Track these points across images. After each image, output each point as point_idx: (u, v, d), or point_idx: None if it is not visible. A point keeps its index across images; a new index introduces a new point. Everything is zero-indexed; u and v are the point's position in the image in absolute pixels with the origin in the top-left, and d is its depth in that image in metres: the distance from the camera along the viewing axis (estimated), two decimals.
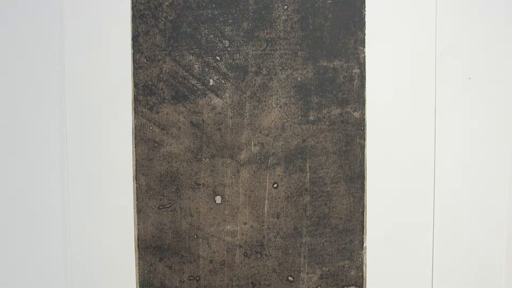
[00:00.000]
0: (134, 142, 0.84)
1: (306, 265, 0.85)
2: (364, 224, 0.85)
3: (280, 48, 0.83)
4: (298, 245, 0.85)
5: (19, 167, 0.86)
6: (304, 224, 0.85)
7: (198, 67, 0.83)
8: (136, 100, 0.84)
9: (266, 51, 0.83)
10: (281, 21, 0.82)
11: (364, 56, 0.82)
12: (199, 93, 0.84)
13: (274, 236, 0.85)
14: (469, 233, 0.84)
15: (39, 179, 0.86)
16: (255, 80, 0.83)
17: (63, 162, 0.85)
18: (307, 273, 0.85)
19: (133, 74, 0.84)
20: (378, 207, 0.84)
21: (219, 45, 0.83)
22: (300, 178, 0.84)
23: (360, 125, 0.83)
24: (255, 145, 0.84)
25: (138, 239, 0.86)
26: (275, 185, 0.85)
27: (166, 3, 0.79)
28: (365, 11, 0.82)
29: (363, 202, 0.85)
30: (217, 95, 0.84)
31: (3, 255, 0.88)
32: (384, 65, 0.82)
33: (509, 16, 0.81)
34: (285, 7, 0.82)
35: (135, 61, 0.84)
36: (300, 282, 0.86)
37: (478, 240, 0.84)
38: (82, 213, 0.85)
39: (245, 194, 0.85)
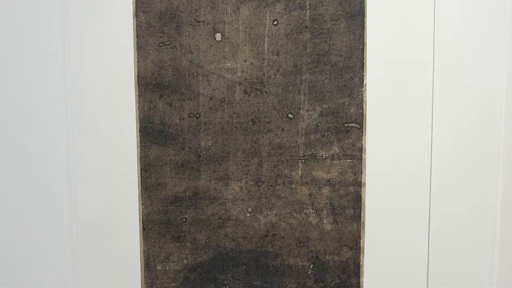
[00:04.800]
0: None
1: (306, 102, 0.85)
2: (364, 61, 0.85)
3: None
4: (298, 83, 0.85)
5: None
6: (304, 61, 0.85)
7: None
8: None
9: None
10: None
11: None
12: None
13: (274, 74, 0.85)
14: (470, 78, 0.84)
15: None
16: None
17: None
18: (307, 111, 0.85)
19: None
20: (378, 44, 0.84)
21: None
22: (300, 15, 0.85)
23: None
24: None
25: (138, 76, 0.86)
26: (275, 22, 0.85)
27: None
28: None
29: (363, 39, 0.85)
30: None
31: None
32: None
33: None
34: None
35: None
36: (300, 119, 0.85)
37: (478, 79, 0.84)
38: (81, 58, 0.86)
39: (245, 31, 0.85)
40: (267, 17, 0.85)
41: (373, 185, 0.86)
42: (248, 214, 0.87)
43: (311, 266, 0.87)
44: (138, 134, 0.86)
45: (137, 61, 0.85)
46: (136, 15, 0.85)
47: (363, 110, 0.85)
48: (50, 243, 0.88)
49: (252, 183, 0.86)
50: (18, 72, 0.86)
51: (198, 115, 0.86)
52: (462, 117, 0.84)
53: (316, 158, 0.85)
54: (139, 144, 0.86)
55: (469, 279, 0.86)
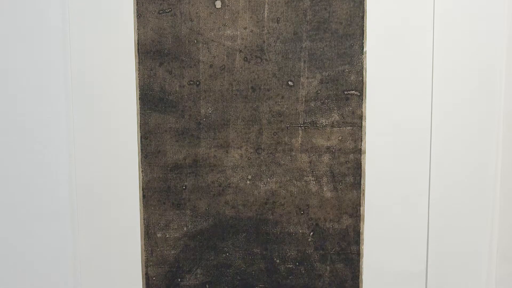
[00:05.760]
0: None
1: (306, 69, 0.85)
2: (364, 29, 0.85)
3: None
4: (298, 50, 0.85)
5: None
6: (304, 28, 0.85)
7: None
8: None
9: None
10: None
11: None
12: None
13: (274, 41, 0.85)
14: (470, 43, 0.84)
15: None
16: None
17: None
18: (307, 78, 0.85)
19: None
20: (378, 11, 0.84)
21: None
22: None
23: None
24: None
25: (138, 44, 0.86)
26: None
27: None
28: None
29: (363, 7, 0.85)
30: None
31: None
32: None
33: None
34: None
35: None
36: (300, 87, 0.85)
37: (478, 43, 0.84)
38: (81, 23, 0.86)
39: None
40: None
41: (373, 152, 0.86)
42: (248, 182, 0.87)
43: (311, 233, 0.87)
44: (138, 101, 0.86)
45: (137, 29, 0.85)
46: None
47: (363, 78, 0.85)
48: (50, 211, 0.88)
49: (252, 150, 0.86)
50: (18, 41, 0.86)
51: (198, 83, 0.86)
52: (462, 83, 0.84)
53: (316, 126, 0.85)
54: (139, 112, 0.86)
55: (469, 247, 0.86)
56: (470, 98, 0.84)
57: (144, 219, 0.88)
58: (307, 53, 0.85)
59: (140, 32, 0.86)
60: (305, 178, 0.86)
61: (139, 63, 0.86)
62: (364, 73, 0.85)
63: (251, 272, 0.88)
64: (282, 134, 0.86)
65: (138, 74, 0.86)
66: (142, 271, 0.89)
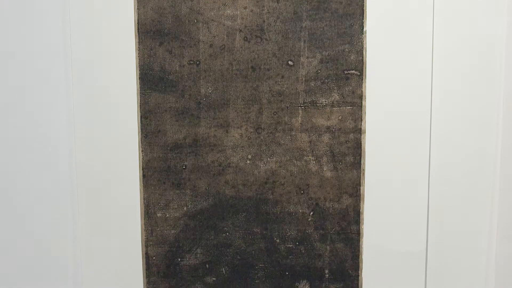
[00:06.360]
0: None
1: (306, 49, 0.85)
2: (364, 8, 0.85)
3: None
4: (298, 29, 0.85)
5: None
6: (304, 8, 0.85)
7: None
8: None
9: None
10: None
11: None
12: None
13: (274, 21, 0.85)
14: (470, 24, 0.84)
15: None
16: None
17: None
18: (307, 58, 0.85)
19: None
20: None
21: None
22: None
23: None
24: None
25: (138, 23, 0.86)
26: None
27: None
28: None
29: None
30: None
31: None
32: None
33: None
34: None
35: None
36: (300, 67, 0.85)
37: (478, 24, 0.84)
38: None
39: None
40: None
41: (373, 132, 0.86)
42: (248, 161, 0.87)
43: (311, 213, 0.87)
44: (138, 81, 0.86)
45: (137, 8, 0.85)
46: None
47: (363, 57, 0.85)
48: (50, 190, 0.88)
49: (252, 130, 0.86)
50: (18, 22, 0.86)
51: (198, 62, 0.86)
52: (462, 62, 0.84)
53: (316, 105, 0.85)
54: (139, 91, 0.86)
55: (469, 227, 0.86)
56: (470, 78, 0.84)
57: (144, 199, 0.88)
58: (307, 33, 0.85)
59: (140, 11, 0.86)
60: (305, 157, 0.86)
61: (139, 42, 0.86)
62: (364, 53, 0.85)
63: (251, 252, 0.88)
64: (282, 113, 0.86)
65: (138, 53, 0.86)
66: (142, 251, 0.89)
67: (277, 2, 0.85)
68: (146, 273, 0.89)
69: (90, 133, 0.87)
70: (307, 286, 0.88)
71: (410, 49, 0.84)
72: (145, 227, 0.89)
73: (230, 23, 0.85)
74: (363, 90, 0.85)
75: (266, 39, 0.85)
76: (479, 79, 0.84)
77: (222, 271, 0.89)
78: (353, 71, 0.85)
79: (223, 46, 0.86)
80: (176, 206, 0.88)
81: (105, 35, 0.86)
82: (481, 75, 0.84)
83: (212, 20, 0.85)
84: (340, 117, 0.86)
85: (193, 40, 0.86)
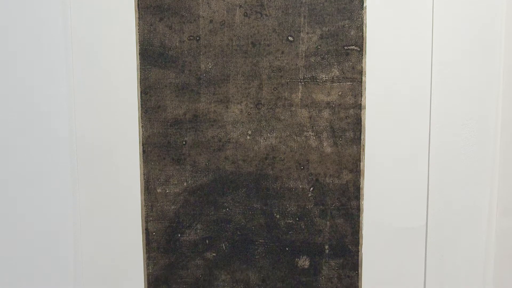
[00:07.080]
0: None
1: (306, 25, 0.85)
2: None
3: None
4: (298, 5, 0.85)
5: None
6: None
7: None
8: None
9: None
10: None
11: None
12: None
13: None
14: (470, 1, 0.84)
15: None
16: None
17: None
18: (307, 33, 0.85)
19: None
20: None
21: None
22: None
23: None
24: None
25: None
26: None
27: None
28: None
29: None
30: None
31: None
32: None
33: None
34: None
35: None
36: (300, 42, 0.85)
37: (478, 4, 0.84)
38: None
39: None
40: None
41: (373, 107, 0.86)
42: (248, 137, 0.87)
43: (311, 188, 0.87)
44: (138, 56, 0.86)
45: None
46: None
47: (363, 33, 0.85)
48: (50, 166, 0.88)
49: (252, 105, 0.86)
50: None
51: (198, 38, 0.86)
52: (462, 38, 0.84)
53: (316, 81, 0.85)
54: (139, 67, 0.86)
55: (469, 202, 0.86)
56: (470, 53, 0.84)
57: (144, 175, 0.88)
58: (307, 8, 0.85)
59: None
60: (305, 133, 0.86)
61: (139, 18, 0.86)
62: (364, 28, 0.85)
63: (251, 228, 0.88)
64: (282, 89, 0.86)
65: (138, 29, 0.86)
66: (142, 226, 0.89)
67: None
68: (146, 249, 0.89)
69: (90, 108, 0.87)
70: (307, 262, 0.88)
71: (410, 24, 0.84)
72: (145, 203, 0.89)
73: None
74: (363, 65, 0.85)
75: (266, 15, 0.85)
76: (479, 53, 0.84)
77: (222, 246, 0.89)
78: (353, 47, 0.85)
79: (223, 22, 0.86)
80: (176, 182, 0.88)
81: (105, 10, 0.86)
82: (481, 50, 0.84)
83: None
84: (340, 93, 0.86)
85: (193, 16, 0.86)
